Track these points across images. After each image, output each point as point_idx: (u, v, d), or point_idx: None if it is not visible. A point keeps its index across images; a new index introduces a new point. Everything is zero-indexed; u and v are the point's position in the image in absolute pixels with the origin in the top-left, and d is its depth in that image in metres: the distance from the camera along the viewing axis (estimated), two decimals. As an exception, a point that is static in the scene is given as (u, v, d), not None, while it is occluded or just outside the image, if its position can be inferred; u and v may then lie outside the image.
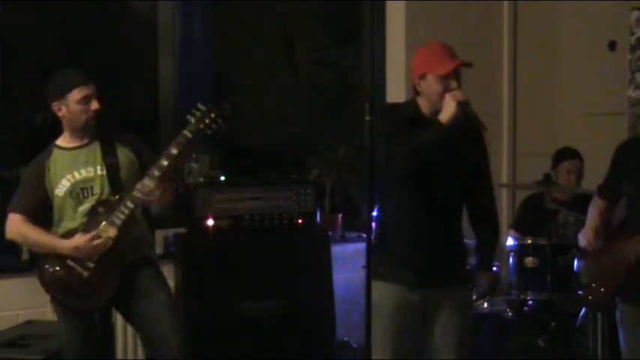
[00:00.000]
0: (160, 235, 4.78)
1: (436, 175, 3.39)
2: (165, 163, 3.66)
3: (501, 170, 6.05)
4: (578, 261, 4.11)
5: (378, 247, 3.32)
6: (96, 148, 3.81)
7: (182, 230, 4.74)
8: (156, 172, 3.65)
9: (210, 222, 4.65)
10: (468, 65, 3.41)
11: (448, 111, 3.29)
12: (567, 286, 4.46)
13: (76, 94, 3.71)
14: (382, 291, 3.30)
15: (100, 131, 3.83)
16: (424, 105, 3.42)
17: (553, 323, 4.48)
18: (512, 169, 6.13)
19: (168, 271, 4.57)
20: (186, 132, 3.70)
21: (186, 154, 3.75)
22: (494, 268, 4.65)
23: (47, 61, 4.98)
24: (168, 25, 5.27)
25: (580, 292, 4.17)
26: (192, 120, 3.72)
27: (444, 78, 3.33)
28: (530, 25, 6.12)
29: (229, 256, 4.63)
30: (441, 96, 3.33)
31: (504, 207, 6.00)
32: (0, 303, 4.46)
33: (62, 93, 3.73)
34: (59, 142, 3.86)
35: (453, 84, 3.33)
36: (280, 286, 4.67)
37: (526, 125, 6.13)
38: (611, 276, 3.72)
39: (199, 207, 4.60)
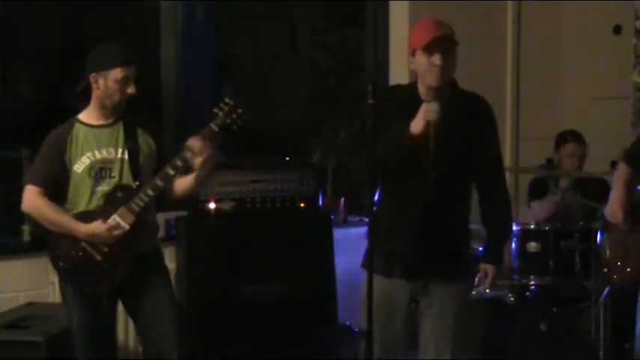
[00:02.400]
0: (161, 218, 4.75)
1: (431, 163, 3.25)
2: (188, 155, 3.61)
3: (504, 154, 6.03)
4: (601, 235, 3.98)
5: (373, 237, 3.27)
6: (119, 129, 3.72)
7: (183, 213, 4.73)
8: (178, 162, 3.63)
9: (212, 205, 4.64)
10: (452, 40, 3.24)
11: (418, 124, 3.18)
12: (570, 271, 4.45)
13: (117, 73, 3.62)
14: (375, 284, 3.26)
15: (126, 114, 3.74)
16: (421, 86, 3.32)
17: (555, 308, 4.47)
18: (515, 153, 6.11)
19: (170, 254, 4.57)
20: (213, 125, 3.63)
21: (212, 146, 3.67)
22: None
23: (46, 41, 4.93)
24: (171, 6, 5.23)
25: (604, 270, 4.05)
26: (220, 114, 3.64)
27: (429, 52, 3.21)
28: (534, 9, 6.09)
29: (231, 239, 4.61)
30: (425, 72, 3.22)
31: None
32: (0, 285, 4.45)
33: (105, 67, 3.63)
34: (82, 117, 3.74)
35: (436, 59, 3.19)
36: (282, 269, 4.66)
37: (530, 109, 6.11)
38: (637, 256, 3.63)
39: (201, 190, 4.59)
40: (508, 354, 4.51)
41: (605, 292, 4.35)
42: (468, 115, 3.32)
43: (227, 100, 3.68)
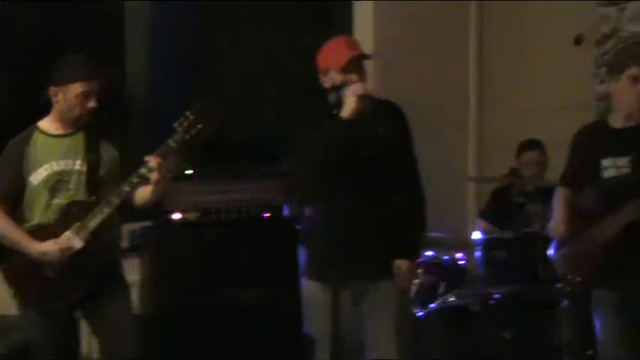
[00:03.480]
0: (126, 228, 4.73)
1: (355, 168, 3.40)
2: (145, 172, 3.57)
3: (468, 163, 6.08)
4: (553, 253, 4.10)
5: (308, 245, 3.36)
6: (79, 140, 3.67)
7: (149, 224, 4.71)
8: (135, 180, 3.58)
9: (178, 215, 4.62)
10: (366, 57, 3.46)
11: (349, 105, 3.34)
12: (534, 278, 4.49)
13: (77, 88, 3.58)
14: (313, 290, 3.35)
15: (88, 124, 3.68)
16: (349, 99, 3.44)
17: (519, 316, 4.50)
18: (479, 162, 6.16)
19: (135, 265, 4.55)
20: (170, 142, 3.58)
21: (170, 162, 3.63)
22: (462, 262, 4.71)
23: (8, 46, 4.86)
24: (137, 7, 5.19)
25: (559, 285, 4.19)
26: (179, 130, 3.58)
27: (344, 71, 3.38)
28: (497, 20, 6.15)
29: (196, 249, 4.60)
30: (343, 90, 3.38)
31: (471, 199, 6.04)
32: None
33: (65, 81, 3.60)
34: (42, 125, 3.69)
35: (353, 77, 3.37)
36: (248, 279, 4.65)
37: (493, 119, 6.16)
38: (585, 264, 3.73)
39: (167, 200, 4.57)
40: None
41: (563, 302, 4.41)
42: (386, 121, 3.47)
43: (188, 113, 3.62)
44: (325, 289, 3.46)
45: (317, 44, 3.62)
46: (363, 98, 3.36)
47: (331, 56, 3.45)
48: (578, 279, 3.75)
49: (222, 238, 4.67)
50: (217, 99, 4.70)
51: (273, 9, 5.52)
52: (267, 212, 4.79)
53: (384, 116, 3.47)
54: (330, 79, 3.45)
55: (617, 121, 3.66)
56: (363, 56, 3.46)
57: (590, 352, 4.45)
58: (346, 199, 3.42)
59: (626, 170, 3.58)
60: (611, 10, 5.56)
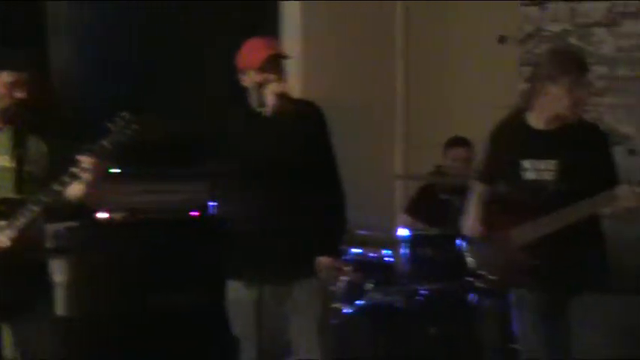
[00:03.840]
0: (51, 229, 4.66)
1: (273, 167, 3.43)
2: (77, 171, 3.50)
3: (396, 161, 6.13)
4: (465, 249, 4.16)
5: (230, 245, 3.38)
6: (8, 135, 3.57)
7: (74, 224, 4.64)
8: (66, 179, 3.51)
9: (104, 215, 4.57)
10: (283, 56, 3.50)
11: (267, 105, 3.42)
12: (459, 275, 4.55)
13: (5, 77, 3.48)
14: (236, 289, 3.37)
15: (18, 118, 3.58)
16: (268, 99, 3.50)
17: (445, 312, 4.56)
18: (406, 161, 6.22)
19: (60, 266, 4.48)
20: (104, 142, 3.48)
21: (103, 162, 3.57)
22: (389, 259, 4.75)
23: None
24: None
25: (472, 281, 4.23)
26: (113, 129, 3.48)
27: (262, 70, 3.43)
28: (423, 20, 6.21)
29: (123, 250, 4.56)
30: (261, 89, 3.44)
31: (398, 197, 6.09)
32: None
33: None
34: None
35: (270, 76, 3.42)
36: (176, 279, 4.63)
37: (420, 117, 6.23)
38: (502, 264, 3.78)
39: (92, 200, 4.50)
40: (400, 358, 4.59)
41: (475, 300, 4.49)
42: (305, 121, 3.54)
43: (123, 114, 3.57)
44: (249, 289, 3.47)
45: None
46: (281, 97, 3.41)
47: (249, 56, 3.48)
48: (495, 278, 3.79)
49: (150, 238, 4.63)
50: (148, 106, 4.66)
51: (200, 9, 5.48)
52: (194, 212, 4.77)
53: (302, 115, 3.51)
54: (249, 78, 3.48)
55: (537, 122, 3.64)
56: (280, 55, 3.49)
57: (514, 346, 4.56)
58: (266, 198, 3.44)
59: (548, 174, 3.58)
60: (534, 10, 5.67)
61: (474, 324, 4.59)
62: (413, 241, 4.69)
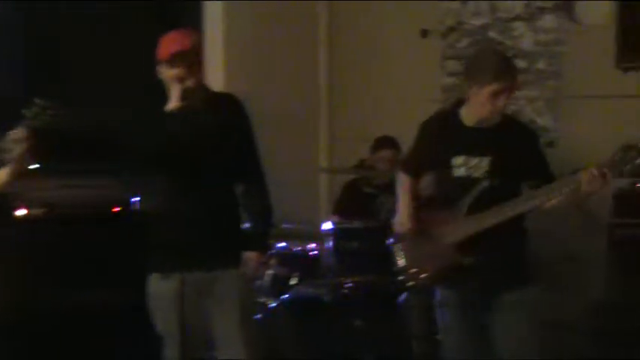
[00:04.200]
0: (-33, 226, 4.55)
1: (188, 161, 3.41)
2: None
3: (320, 155, 6.14)
4: (393, 243, 4.17)
5: (151, 239, 3.34)
6: None
7: (-9, 220, 4.54)
8: None
9: (22, 211, 4.47)
10: (190, 51, 3.43)
11: (173, 99, 3.40)
12: (384, 268, 4.57)
13: None
14: (156, 283, 3.33)
15: None
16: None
17: (371, 305, 4.59)
18: (331, 154, 6.24)
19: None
20: (21, 127, 3.41)
21: (22, 148, 3.48)
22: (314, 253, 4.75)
23: None
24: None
25: (400, 277, 4.25)
26: (28, 115, 3.38)
27: (170, 65, 3.41)
28: (347, 16, 6.25)
29: (42, 246, 4.46)
30: (171, 83, 3.42)
31: (323, 191, 6.11)
32: None
33: None
34: None
35: (178, 71, 3.39)
36: (97, 275, 4.55)
37: (345, 111, 6.26)
38: (429, 261, 3.78)
39: (10, 195, 4.40)
40: (326, 351, 4.60)
41: (404, 295, 4.52)
42: (223, 115, 3.50)
43: (37, 100, 3.51)
44: (168, 281, 3.43)
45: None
46: (187, 91, 3.38)
47: (161, 50, 3.46)
48: (422, 274, 3.79)
49: (70, 233, 4.54)
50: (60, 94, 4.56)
51: (123, 7, 5.42)
52: (116, 207, 4.69)
53: (215, 107, 3.47)
54: (160, 72, 3.47)
55: (469, 119, 3.61)
56: (186, 51, 3.42)
57: (439, 337, 4.61)
58: (183, 192, 3.42)
59: (479, 172, 3.55)
60: (456, 4, 5.73)
61: (399, 316, 4.62)
62: (337, 235, 4.70)
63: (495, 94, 3.47)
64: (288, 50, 5.55)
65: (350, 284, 4.62)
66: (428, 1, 5.81)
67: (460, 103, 3.67)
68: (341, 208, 5.27)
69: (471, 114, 3.61)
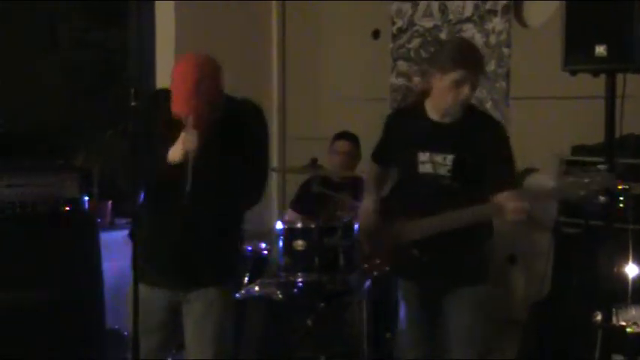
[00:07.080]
0: None
1: (182, 172, 3.28)
2: None
3: (272, 155, 6.14)
4: (357, 231, 4.16)
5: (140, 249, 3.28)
6: None
7: None
8: None
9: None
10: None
11: (177, 153, 3.25)
12: (334, 267, 4.59)
13: None
14: (145, 294, 3.26)
15: None
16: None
17: (321, 303, 4.60)
18: (282, 154, 6.24)
19: None
20: None
21: None
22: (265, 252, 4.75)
23: None
24: None
25: (364, 265, 4.30)
26: None
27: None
28: (298, 16, 6.26)
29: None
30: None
31: (275, 190, 6.11)
32: None
33: None
34: None
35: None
36: (46, 275, 4.49)
37: (295, 111, 6.27)
38: (389, 253, 3.78)
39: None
40: (277, 350, 4.60)
41: (366, 285, 4.55)
42: (238, 125, 3.39)
43: None
44: (148, 291, 3.37)
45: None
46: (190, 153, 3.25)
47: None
48: (379, 267, 3.79)
49: (17, 234, 4.47)
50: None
51: (72, 7, 5.38)
52: (64, 206, 4.63)
53: (236, 118, 3.38)
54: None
55: (434, 112, 3.59)
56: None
57: (388, 336, 4.64)
58: (179, 209, 3.29)
59: (444, 168, 3.54)
60: (406, 6, 5.77)
61: (350, 314, 4.64)
62: (288, 234, 4.70)
63: (457, 83, 3.44)
64: (239, 50, 5.56)
65: (300, 283, 4.62)
66: (379, 1, 5.84)
67: (425, 94, 3.62)
68: (297, 204, 5.28)
69: (435, 106, 3.57)
